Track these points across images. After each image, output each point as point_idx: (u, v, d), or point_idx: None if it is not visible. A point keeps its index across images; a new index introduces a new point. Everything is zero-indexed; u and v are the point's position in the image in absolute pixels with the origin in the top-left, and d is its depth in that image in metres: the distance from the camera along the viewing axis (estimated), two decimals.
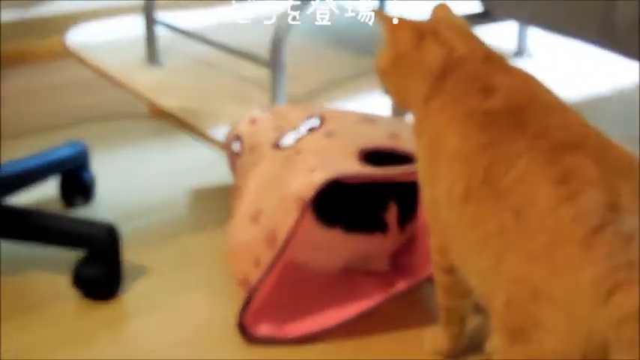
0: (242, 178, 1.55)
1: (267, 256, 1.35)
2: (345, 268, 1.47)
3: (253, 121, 1.64)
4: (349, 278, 1.46)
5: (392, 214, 1.45)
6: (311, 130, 1.50)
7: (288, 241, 1.33)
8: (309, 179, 1.34)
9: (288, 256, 1.37)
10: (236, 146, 1.64)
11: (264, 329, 1.35)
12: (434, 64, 1.16)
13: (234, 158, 1.64)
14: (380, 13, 1.23)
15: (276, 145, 1.50)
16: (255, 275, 1.35)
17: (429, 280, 1.30)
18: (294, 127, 1.53)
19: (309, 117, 1.54)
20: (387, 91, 1.25)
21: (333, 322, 1.36)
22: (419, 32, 1.18)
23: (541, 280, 0.90)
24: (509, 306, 0.94)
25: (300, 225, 1.34)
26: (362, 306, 1.37)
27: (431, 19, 1.22)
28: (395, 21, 1.21)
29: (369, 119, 1.55)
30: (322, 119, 1.52)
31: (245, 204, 1.46)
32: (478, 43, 1.18)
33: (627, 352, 0.81)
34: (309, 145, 1.46)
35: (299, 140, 1.48)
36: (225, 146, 1.71)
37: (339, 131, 1.48)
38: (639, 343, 0.80)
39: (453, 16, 1.23)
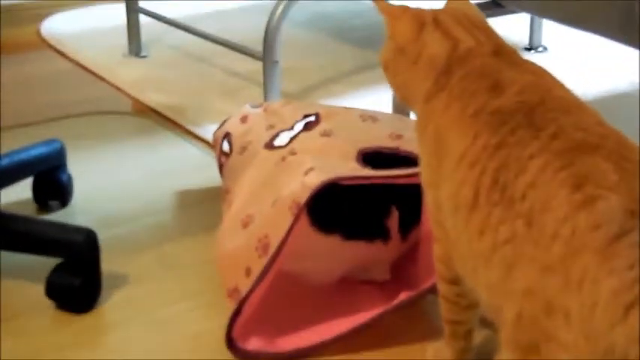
0: (231, 180, 1.56)
1: (258, 265, 1.35)
2: (343, 277, 1.47)
3: (244, 119, 1.64)
4: (347, 289, 1.46)
5: (393, 220, 1.45)
6: (306, 127, 1.50)
7: (281, 248, 1.33)
8: (304, 182, 1.34)
9: (280, 264, 1.37)
10: (225, 146, 1.64)
11: (254, 343, 1.35)
12: (438, 58, 1.16)
13: (223, 158, 1.64)
14: (380, 3, 1.23)
15: (270, 145, 1.50)
16: (246, 285, 1.35)
17: (432, 291, 1.30)
18: (289, 127, 1.53)
19: (306, 115, 1.54)
20: (392, 87, 1.26)
21: (329, 336, 1.36)
22: (419, 21, 1.19)
23: (555, 292, 0.89)
24: (521, 320, 0.94)
25: (295, 231, 1.34)
26: (360, 318, 1.38)
27: (442, 8, 1.23)
28: (395, 10, 1.22)
29: (370, 117, 1.55)
30: (319, 117, 1.52)
31: (235, 208, 1.46)
32: (488, 36, 1.18)
33: None
34: (304, 146, 1.46)
35: (293, 139, 1.48)
36: (214, 145, 1.71)
37: (337, 130, 1.48)
38: None
39: (469, 6, 1.23)
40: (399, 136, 1.47)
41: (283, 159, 1.44)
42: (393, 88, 1.26)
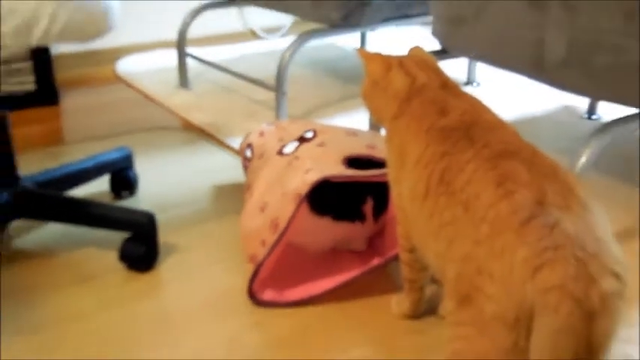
0: (252, 177, 1.55)
1: (271, 239, 1.35)
2: (332, 247, 1.47)
3: (262, 133, 1.64)
4: (335, 256, 1.46)
5: (369, 207, 1.45)
6: (307, 140, 1.50)
7: (287, 227, 1.33)
8: (304, 179, 1.34)
9: (287, 238, 1.37)
10: (248, 153, 1.63)
11: (268, 295, 1.35)
12: (401, 90, 1.16)
13: (246, 162, 1.64)
14: (360, 50, 1.23)
15: (280, 152, 1.50)
16: (261, 253, 1.35)
17: (395, 258, 1.30)
18: (295, 139, 1.53)
19: (306, 130, 1.54)
20: (369, 110, 1.26)
21: (322, 289, 1.36)
22: (387, 64, 1.20)
23: (484, 259, 0.89)
24: (459, 278, 0.94)
25: (297, 214, 1.34)
26: (344, 277, 1.38)
27: (406, 55, 1.23)
28: (370, 55, 1.22)
29: (352, 132, 1.55)
30: (315, 132, 1.52)
31: (255, 198, 1.46)
32: (437, 74, 1.18)
33: (551, 315, 0.81)
34: (305, 153, 1.45)
35: (298, 148, 1.48)
36: (240, 152, 1.71)
37: (329, 142, 1.48)
38: (560, 306, 0.81)
39: (424, 53, 1.23)
40: (373, 146, 1.47)
41: (290, 163, 1.44)
42: (370, 112, 1.26)
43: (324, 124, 1.62)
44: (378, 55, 1.22)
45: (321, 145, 1.47)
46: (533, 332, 0.83)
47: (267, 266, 1.36)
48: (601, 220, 0.89)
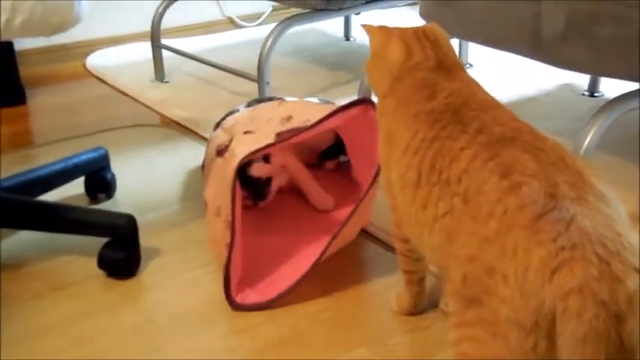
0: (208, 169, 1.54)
1: (229, 239, 1.33)
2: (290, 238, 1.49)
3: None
4: (294, 242, 1.47)
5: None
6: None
7: (233, 219, 1.31)
8: (232, 164, 1.34)
9: (242, 229, 1.37)
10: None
11: (251, 298, 1.34)
12: (395, 63, 1.15)
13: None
14: (365, 25, 1.22)
15: (219, 154, 1.48)
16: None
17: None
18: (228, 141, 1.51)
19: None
20: (370, 86, 1.24)
21: (297, 277, 1.34)
22: (388, 34, 1.19)
23: (494, 259, 0.86)
24: (466, 280, 0.90)
25: (236, 202, 1.32)
26: (310, 260, 1.36)
27: (410, 27, 1.20)
28: (373, 28, 1.21)
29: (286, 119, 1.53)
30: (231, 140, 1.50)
31: (209, 204, 1.45)
32: (436, 53, 1.15)
33: (574, 321, 0.79)
34: (237, 145, 1.44)
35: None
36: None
37: (257, 129, 1.48)
38: (583, 311, 0.79)
39: (431, 26, 1.20)
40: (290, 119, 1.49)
41: (227, 160, 1.42)
42: (370, 86, 1.24)
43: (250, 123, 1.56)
44: (381, 27, 1.21)
45: (247, 132, 1.46)
46: (559, 338, 0.80)
47: (235, 270, 1.35)
48: (618, 212, 0.87)
